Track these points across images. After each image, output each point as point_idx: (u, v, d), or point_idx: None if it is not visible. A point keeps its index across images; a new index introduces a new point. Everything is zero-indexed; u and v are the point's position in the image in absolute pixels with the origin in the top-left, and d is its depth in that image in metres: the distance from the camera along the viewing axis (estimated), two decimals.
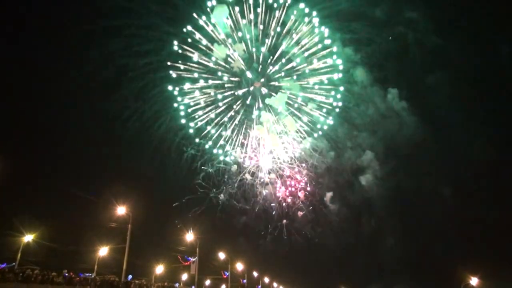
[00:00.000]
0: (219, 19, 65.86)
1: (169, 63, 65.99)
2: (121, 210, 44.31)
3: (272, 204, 70.58)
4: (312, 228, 71.52)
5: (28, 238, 40.81)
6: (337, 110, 74.21)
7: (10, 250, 39.62)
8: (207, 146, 70.22)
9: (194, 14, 65.88)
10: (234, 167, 71.57)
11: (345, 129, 74.90)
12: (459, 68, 76.36)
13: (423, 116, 75.11)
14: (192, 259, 50.45)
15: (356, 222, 73.08)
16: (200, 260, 50.17)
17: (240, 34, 68.17)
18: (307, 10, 68.30)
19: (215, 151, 70.56)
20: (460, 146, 74.36)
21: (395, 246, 69.10)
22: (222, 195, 69.80)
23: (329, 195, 72.79)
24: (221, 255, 59.18)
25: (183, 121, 69.32)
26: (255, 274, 72.66)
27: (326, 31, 69.80)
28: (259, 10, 67.19)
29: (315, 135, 73.07)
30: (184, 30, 65.82)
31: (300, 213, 70.77)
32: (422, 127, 73.66)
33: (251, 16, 67.46)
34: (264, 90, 70.41)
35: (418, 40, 77.40)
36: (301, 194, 71.02)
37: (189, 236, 50.57)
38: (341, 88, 73.20)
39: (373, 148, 75.65)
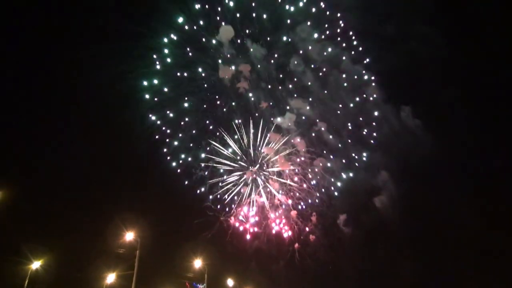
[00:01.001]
0: (225, 39, 66.35)
1: (145, 83, 63.80)
2: (129, 235, 44.82)
3: (285, 228, 69.51)
4: (325, 252, 69.83)
5: (36, 265, 41.23)
6: (372, 142, 73.09)
7: (17, 276, 40.02)
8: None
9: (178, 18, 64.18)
10: (245, 189, 71.06)
11: (357, 148, 74.17)
12: (475, 83, 75.57)
13: (439, 135, 73.90)
14: (200, 286, 50.01)
15: (371, 246, 71.04)
16: (208, 287, 49.65)
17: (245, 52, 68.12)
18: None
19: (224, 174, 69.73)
20: (482, 165, 72.56)
21: (414, 271, 66.68)
22: (232, 218, 69.06)
23: (342, 217, 71.33)
24: (230, 282, 58.30)
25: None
26: None
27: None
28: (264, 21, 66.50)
29: (346, 175, 71.11)
30: (166, 40, 63.64)
31: (312, 237, 69.48)
32: (439, 146, 72.30)
33: (256, 33, 67.88)
34: (272, 111, 70.49)
35: (431, 55, 77.20)
36: (313, 218, 69.85)
37: (198, 263, 50.22)
38: (376, 114, 72.25)
39: (388, 168, 74.43)
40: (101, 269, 45.27)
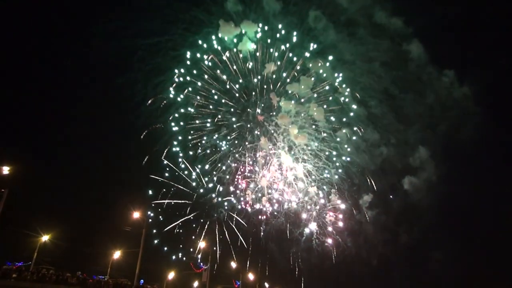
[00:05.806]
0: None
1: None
2: (136, 214, 48.33)
3: (299, 204, 68.95)
4: (345, 235, 69.41)
5: (45, 238, 45.86)
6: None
7: (27, 249, 44.83)
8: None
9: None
10: (260, 162, 69.68)
11: (391, 120, 70.37)
12: None
13: (491, 108, 68.43)
14: (204, 267, 53.15)
15: (396, 231, 69.78)
16: (212, 268, 52.59)
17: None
18: None
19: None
20: None
21: (443, 262, 65.40)
22: (248, 195, 68.87)
23: (366, 198, 69.47)
24: (236, 264, 60.96)
25: None
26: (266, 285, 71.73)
27: None
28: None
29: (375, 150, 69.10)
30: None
31: (331, 218, 69.00)
32: (489, 123, 67.11)
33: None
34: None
35: (488, 8, 69.37)
36: (332, 196, 68.80)
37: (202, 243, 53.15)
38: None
39: (425, 145, 70.89)
40: (108, 246, 49.70)
